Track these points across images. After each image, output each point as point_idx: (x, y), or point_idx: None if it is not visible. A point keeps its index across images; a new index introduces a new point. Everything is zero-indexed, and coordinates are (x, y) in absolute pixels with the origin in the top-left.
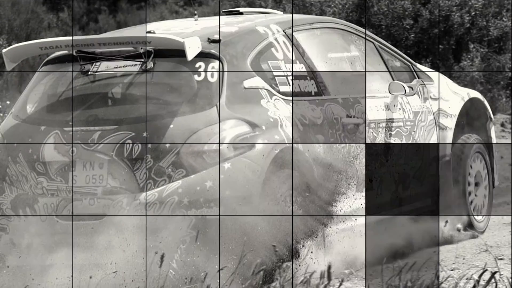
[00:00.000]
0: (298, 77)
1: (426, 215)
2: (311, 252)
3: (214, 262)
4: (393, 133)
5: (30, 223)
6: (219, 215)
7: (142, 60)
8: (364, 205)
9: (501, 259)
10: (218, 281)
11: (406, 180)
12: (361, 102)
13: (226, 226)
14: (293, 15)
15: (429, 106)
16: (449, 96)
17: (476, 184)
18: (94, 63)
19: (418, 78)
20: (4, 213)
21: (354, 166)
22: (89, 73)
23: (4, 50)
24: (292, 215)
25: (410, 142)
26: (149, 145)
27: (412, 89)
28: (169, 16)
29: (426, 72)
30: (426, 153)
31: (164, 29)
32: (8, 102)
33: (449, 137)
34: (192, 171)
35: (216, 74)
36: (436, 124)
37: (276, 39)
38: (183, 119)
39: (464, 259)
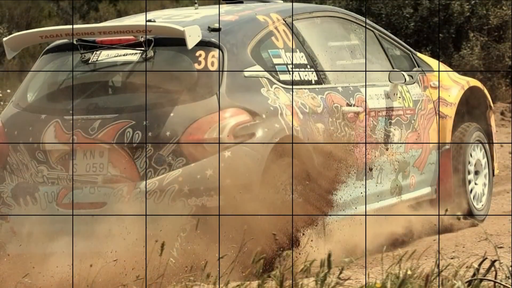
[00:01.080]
0: (298, 66)
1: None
2: (311, 240)
3: (214, 251)
4: (393, 121)
5: (31, 211)
6: (219, 215)
7: (143, 48)
8: (364, 194)
9: (500, 247)
10: (218, 269)
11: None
12: (361, 90)
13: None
14: (293, 4)
15: (429, 95)
16: (449, 84)
17: (476, 173)
18: (94, 52)
19: (418, 66)
20: (5, 201)
21: (354, 154)
22: (90, 61)
23: (4, 39)
24: (292, 215)
25: (410, 130)
26: (150, 133)
27: (412, 78)
28: (169, 5)
29: (425, 61)
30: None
31: (164, 18)
32: (8, 91)
33: (449, 125)
34: (192, 160)
35: (216, 62)
36: (436, 112)
37: (276, 28)
38: (184, 107)
39: (464, 247)
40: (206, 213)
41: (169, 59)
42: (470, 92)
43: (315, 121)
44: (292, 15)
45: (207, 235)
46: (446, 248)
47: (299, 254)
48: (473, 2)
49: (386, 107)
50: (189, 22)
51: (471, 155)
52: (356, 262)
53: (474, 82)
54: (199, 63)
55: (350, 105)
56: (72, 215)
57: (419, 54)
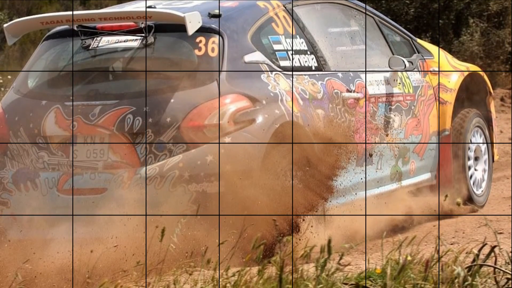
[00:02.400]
0: (298, 52)
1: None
2: (311, 226)
3: (214, 236)
4: (393, 107)
5: (31, 197)
6: (219, 215)
7: (143, 35)
8: (364, 180)
9: (500, 233)
10: (218, 255)
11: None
12: (361, 76)
13: (227, 201)
14: None
15: (429, 81)
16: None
17: (476, 159)
18: (95, 38)
19: (418, 52)
20: (5, 187)
21: (354, 140)
22: (90, 48)
23: (5, 25)
24: (292, 215)
25: (410, 116)
26: (150, 120)
27: (412, 64)
28: None
29: (425, 47)
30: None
31: (165, 4)
32: (9, 77)
33: (449, 111)
34: (192, 146)
35: (216, 48)
36: (436, 98)
37: (276, 14)
38: (184, 93)
39: (463, 233)
40: (206, 199)
41: (169, 45)
42: (470, 78)
43: (315, 107)
44: (292, 1)
45: (207, 221)
46: (446, 234)
47: (299, 240)
48: None
49: (386, 93)
50: (189, 8)
51: (471, 141)
52: (356, 248)
53: (474, 68)
54: (200, 49)
55: (350, 91)
56: (73, 200)
57: (419, 40)
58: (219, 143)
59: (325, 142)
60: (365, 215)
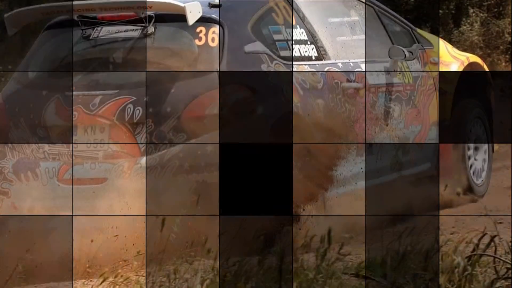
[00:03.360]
0: (298, 42)
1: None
2: (311, 216)
3: (215, 226)
4: (392, 97)
5: (32, 187)
6: (219, 215)
7: (143, 25)
8: (363, 169)
9: (500, 223)
10: (218, 245)
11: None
12: (361, 66)
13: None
14: None
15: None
16: (449, 60)
17: (476, 149)
18: (95, 28)
19: (418, 42)
20: (6, 177)
21: (354, 130)
22: (90, 38)
23: (6, 15)
24: (292, 215)
25: (409, 106)
26: (150, 110)
27: (412, 54)
28: None
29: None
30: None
31: None
32: (10, 67)
33: (448, 102)
34: (193, 136)
35: (216, 38)
36: (436, 88)
37: (276, 4)
38: (184, 83)
39: (463, 223)
40: (206, 190)
41: (169, 35)
42: (470, 68)
43: (315, 97)
44: None
45: (207, 211)
46: (446, 224)
47: (299, 229)
48: None
49: (386, 83)
50: None
51: (470, 131)
52: (356, 238)
53: (474, 58)
54: (200, 39)
55: (350, 81)
56: (73, 190)
57: (419, 30)
58: (219, 133)
59: (326, 134)
60: (365, 215)
